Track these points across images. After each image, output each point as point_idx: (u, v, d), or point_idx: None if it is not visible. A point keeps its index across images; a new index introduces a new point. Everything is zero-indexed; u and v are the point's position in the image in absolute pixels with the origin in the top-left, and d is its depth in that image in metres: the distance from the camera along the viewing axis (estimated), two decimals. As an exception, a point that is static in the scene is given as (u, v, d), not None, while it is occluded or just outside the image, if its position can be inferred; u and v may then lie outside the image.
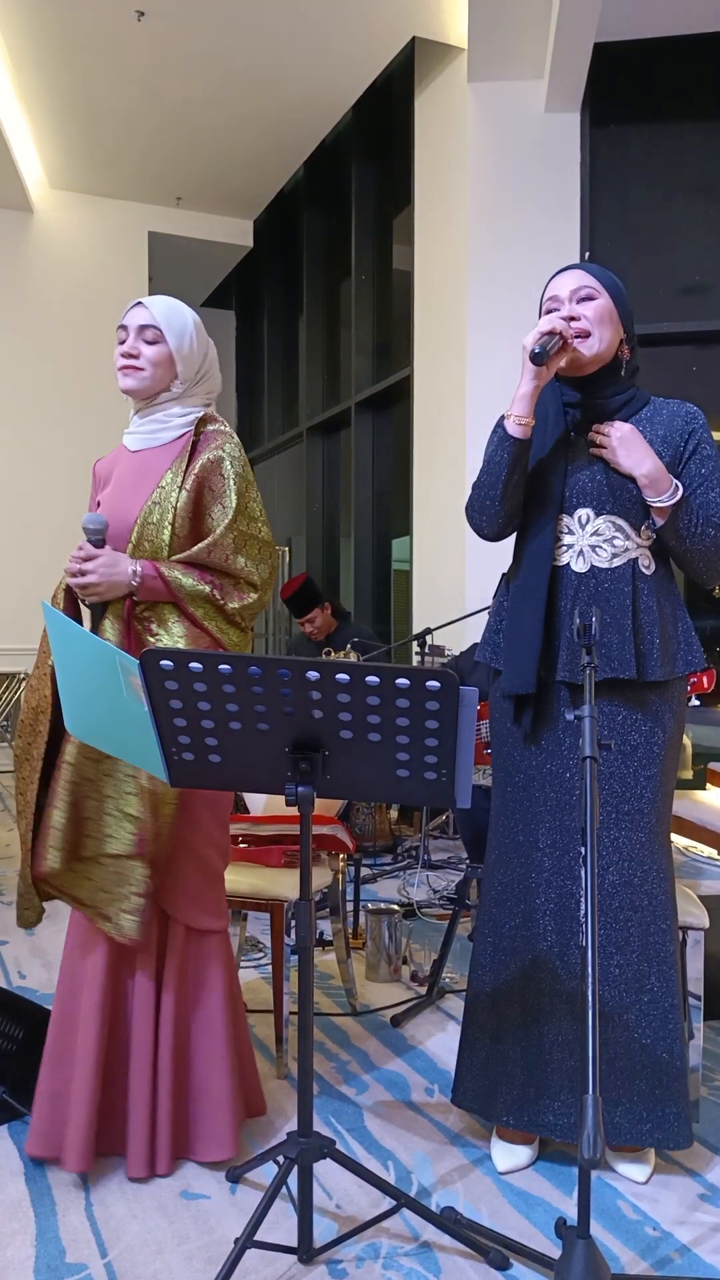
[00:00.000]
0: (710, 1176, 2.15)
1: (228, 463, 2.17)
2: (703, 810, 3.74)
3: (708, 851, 3.54)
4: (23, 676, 7.14)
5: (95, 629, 2.14)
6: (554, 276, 2.18)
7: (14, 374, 7.99)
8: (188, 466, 2.17)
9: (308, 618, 5.23)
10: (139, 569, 2.09)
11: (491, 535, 2.23)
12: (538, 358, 2.01)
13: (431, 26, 5.85)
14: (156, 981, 2.14)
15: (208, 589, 2.12)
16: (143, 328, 2.19)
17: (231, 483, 2.16)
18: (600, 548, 2.13)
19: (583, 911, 1.62)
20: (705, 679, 3.40)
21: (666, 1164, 2.19)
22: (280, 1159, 1.83)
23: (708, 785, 4.26)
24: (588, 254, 5.54)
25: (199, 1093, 2.15)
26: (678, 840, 3.61)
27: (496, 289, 5.57)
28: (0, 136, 6.70)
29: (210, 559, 2.12)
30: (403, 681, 1.65)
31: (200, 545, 2.12)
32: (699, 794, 4.13)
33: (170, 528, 2.13)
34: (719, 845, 3.49)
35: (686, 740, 4.32)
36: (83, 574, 2.09)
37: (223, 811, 2.23)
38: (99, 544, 2.12)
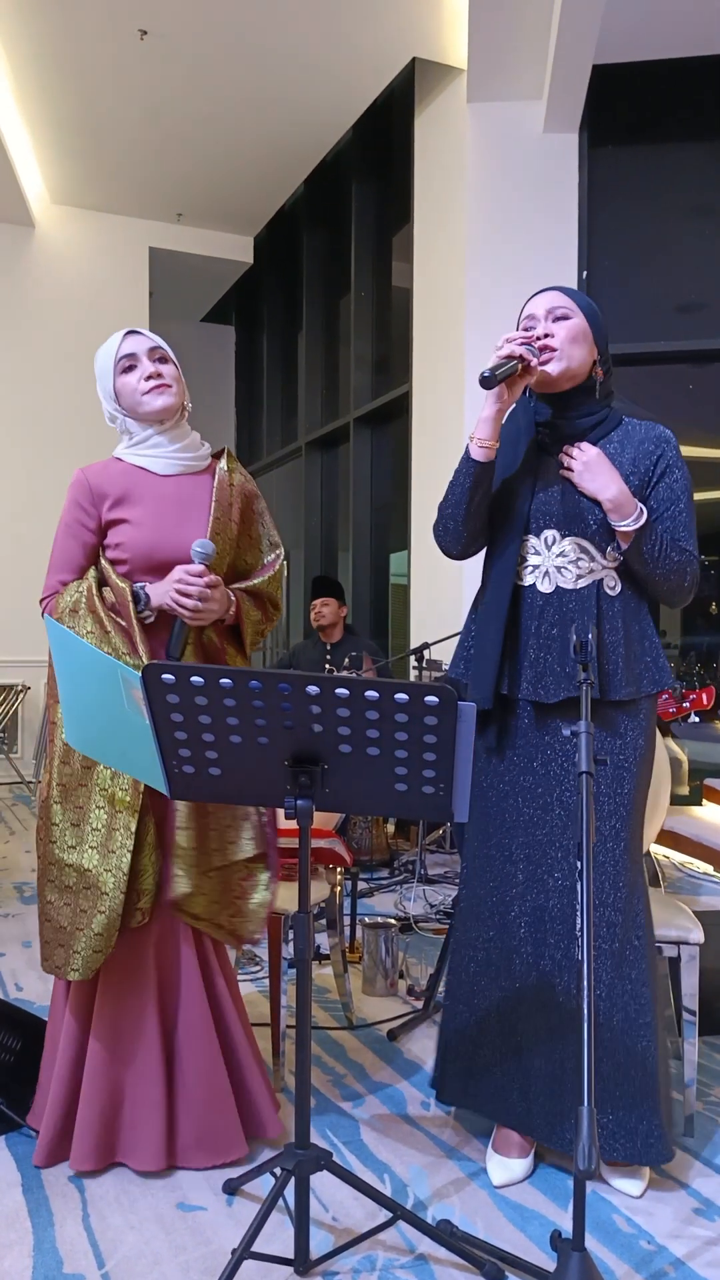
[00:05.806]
0: (705, 1191, 2.16)
1: (261, 498, 2.34)
2: (699, 826, 3.75)
3: (704, 867, 3.56)
4: (21, 688, 7.13)
5: (182, 650, 2.15)
6: (532, 296, 2.22)
7: (14, 388, 8.01)
8: (230, 498, 2.25)
9: (321, 600, 5.59)
10: (232, 596, 2.22)
11: (457, 555, 2.26)
12: (485, 382, 2.02)
13: (431, 47, 5.91)
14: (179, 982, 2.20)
15: (259, 614, 2.29)
16: (153, 349, 2.25)
17: (268, 516, 2.34)
18: (566, 569, 2.15)
19: (578, 927, 1.64)
20: (705, 696, 3.42)
21: (661, 1178, 2.20)
22: (277, 1171, 1.84)
23: (704, 801, 4.27)
24: (585, 273, 5.58)
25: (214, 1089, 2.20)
26: (674, 856, 3.63)
27: (495, 306, 5.61)
28: (3, 152, 6.74)
29: (268, 589, 2.30)
30: (401, 697, 1.67)
31: (263, 578, 2.29)
32: (695, 810, 4.14)
33: (229, 557, 2.25)
34: (715, 861, 3.50)
35: (683, 756, 4.34)
36: (205, 599, 2.11)
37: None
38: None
